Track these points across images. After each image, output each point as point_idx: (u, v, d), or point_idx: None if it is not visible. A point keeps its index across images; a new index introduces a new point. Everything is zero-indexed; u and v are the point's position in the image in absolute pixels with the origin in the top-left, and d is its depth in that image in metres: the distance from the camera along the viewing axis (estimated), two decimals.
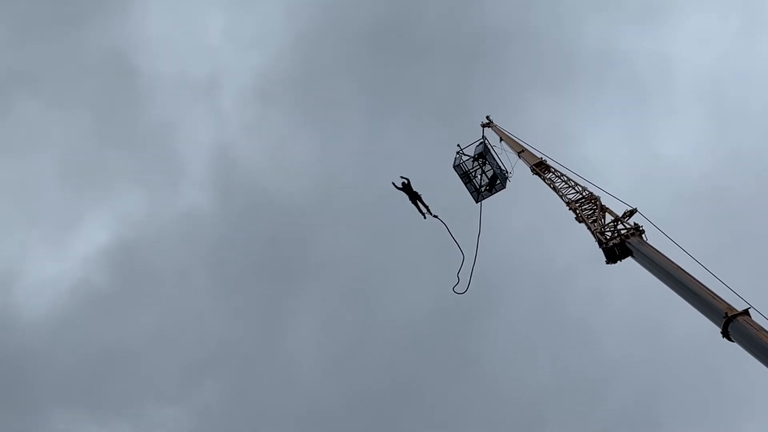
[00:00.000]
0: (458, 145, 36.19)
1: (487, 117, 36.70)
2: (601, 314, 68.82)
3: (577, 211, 27.29)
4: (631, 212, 25.16)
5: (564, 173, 29.73)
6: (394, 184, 31.30)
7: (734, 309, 18.29)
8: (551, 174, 30.29)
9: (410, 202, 31.48)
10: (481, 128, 36.49)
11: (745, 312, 18.05)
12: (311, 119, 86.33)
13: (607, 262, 24.63)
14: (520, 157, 32.95)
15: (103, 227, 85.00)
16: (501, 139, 35.19)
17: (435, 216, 31.45)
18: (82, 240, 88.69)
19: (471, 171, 35.88)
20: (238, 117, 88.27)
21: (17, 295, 75.53)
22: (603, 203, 26.78)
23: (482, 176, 36.08)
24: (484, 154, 35.61)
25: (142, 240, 78.81)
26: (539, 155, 31.73)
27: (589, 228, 26.08)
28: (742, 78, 79.22)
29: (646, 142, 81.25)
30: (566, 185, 29.03)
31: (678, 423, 63.73)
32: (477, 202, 36.02)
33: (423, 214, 31.43)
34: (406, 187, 31.11)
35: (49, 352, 70.36)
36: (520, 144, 33.48)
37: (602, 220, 25.91)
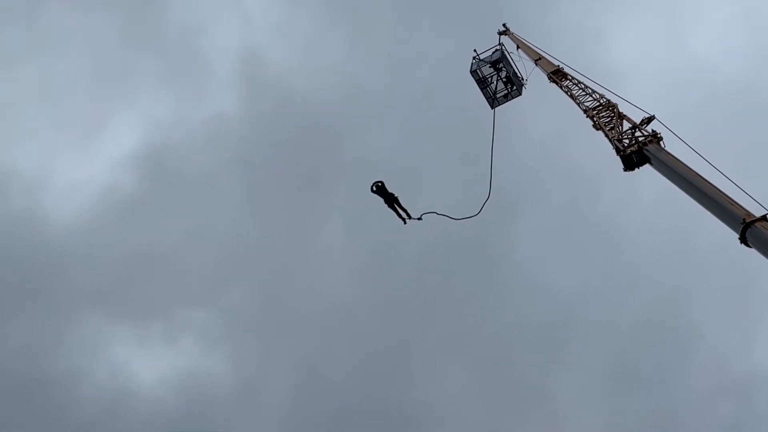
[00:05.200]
0: (474, 50, 36.24)
1: (504, 25, 36.62)
2: (630, 217, 69.30)
3: (595, 119, 27.29)
4: (649, 119, 25.08)
5: (581, 80, 29.65)
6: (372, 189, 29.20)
7: (752, 215, 18.52)
8: (568, 81, 30.19)
9: (386, 206, 29.35)
10: (498, 36, 36.43)
11: (763, 218, 18.28)
12: (338, 19, 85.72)
13: (625, 170, 24.82)
14: (537, 64, 32.87)
15: (131, 131, 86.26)
16: (518, 47, 35.12)
17: (419, 218, 29.56)
18: (110, 144, 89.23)
19: (487, 77, 35.92)
20: (264, 18, 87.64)
21: (47, 199, 76.46)
22: (621, 110, 26.74)
23: (498, 82, 36.17)
24: (500, 61, 35.60)
25: (170, 143, 79.30)
26: (556, 63, 31.64)
27: (606, 135, 26.18)
28: None
29: (676, 39, 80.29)
30: (583, 93, 28.97)
31: (707, 324, 64.73)
32: (492, 108, 36.22)
33: (402, 218, 29.52)
34: (380, 190, 29.02)
35: (80, 255, 71.48)
36: (536, 51, 33.34)
37: (620, 127, 25.96)
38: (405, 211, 29.41)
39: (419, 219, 29.72)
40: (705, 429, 62.80)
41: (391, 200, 29.17)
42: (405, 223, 29.54)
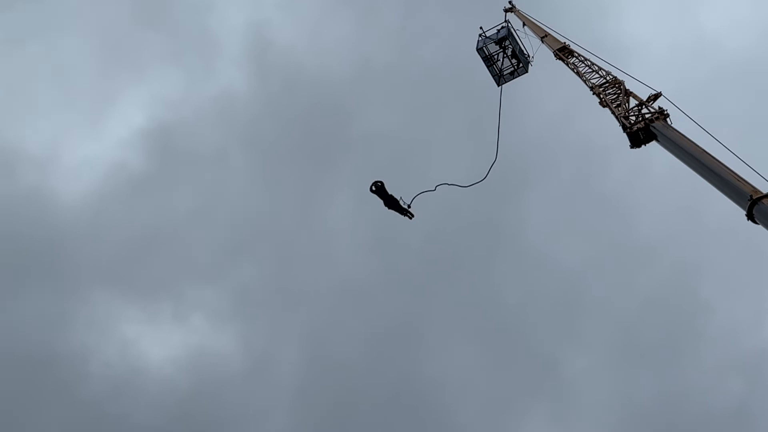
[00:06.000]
0: (481, 28, 36.37)
1: (510, 2, 36.55)
2: (639, 193, 69.19)
3: (601, 96, 27.21)
4: (656, 96, 24.92)
5: (588, 57, 29.57)
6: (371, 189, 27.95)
7: (759, 191, 18.41)
8: (575, 58, 30.11)
9: (386, 207, 28.12)
10: (504, 13, 36.35)
11: None
12: None
13: (632, 147, 24.65)
14: (543, 42, 32.81)
15: (139, 108, 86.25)
16: (524, 24, 35.04)
17: (433, 190, 28.53)
18: (119, 122, 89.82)
19: (494, 54, 35.88)
20: None
21: (55, 177, 76.62)
22: (627, 87, 26.64)
23: (504, 60, 36.15)
24: (506, 38, 35.60)
25: (179, 121, 79.20)
26: (562, 40, 31.56)
27: (613, 112, 26.10)
28: None
29: (685, 16, 79.83)
30: (590, 70, 28.90)
31: (717, 300, 64.72)
32: (498, 85, 36.25)
33: (407, 216, 28.25)
34: (380, 191, 27.73)
35: (88, 233, 71.80)
36: (543, 29, 33.26)
37: (626, 104, 25.86)
38: (405, 211, 28.27)
39: (433, 191, 28.67)
40: (715, 404, 63.05)
41: (391, 201, 28.03)
42: (412, 217, 28.28)
